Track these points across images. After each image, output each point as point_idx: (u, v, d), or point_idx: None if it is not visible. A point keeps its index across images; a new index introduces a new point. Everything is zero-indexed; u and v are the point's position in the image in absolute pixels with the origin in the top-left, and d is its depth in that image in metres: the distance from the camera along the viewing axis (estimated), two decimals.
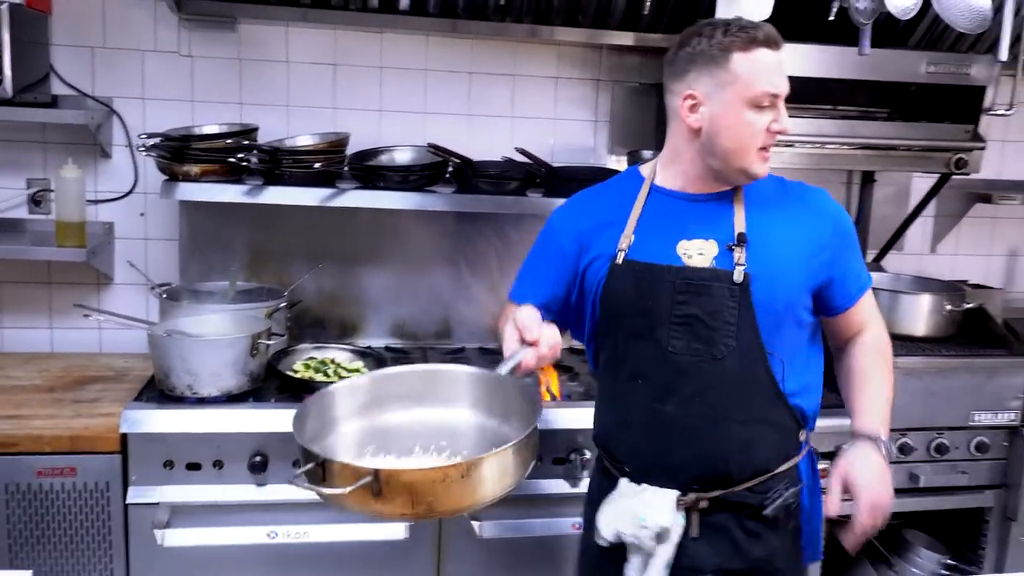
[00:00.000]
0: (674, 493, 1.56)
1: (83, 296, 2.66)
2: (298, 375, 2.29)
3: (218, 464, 2.09)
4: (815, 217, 1.62)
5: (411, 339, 2.82)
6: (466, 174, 2.57)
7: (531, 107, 2.91)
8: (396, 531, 2.14)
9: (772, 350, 1.56)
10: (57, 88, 2.60)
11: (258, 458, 2.09)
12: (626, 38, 2.77)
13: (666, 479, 1.57)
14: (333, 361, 2.40)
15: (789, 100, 2.55)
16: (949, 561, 2.63)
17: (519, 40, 2.82)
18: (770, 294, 1.54)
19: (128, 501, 2.06)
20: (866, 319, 1.71)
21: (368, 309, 2.80)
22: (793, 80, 2.49)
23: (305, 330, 2.69)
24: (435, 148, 2.52)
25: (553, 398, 2.33)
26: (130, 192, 2.69)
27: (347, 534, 2.12)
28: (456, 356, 2.70)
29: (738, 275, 1.53)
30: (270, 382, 2.27)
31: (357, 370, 2.38)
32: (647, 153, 2.67)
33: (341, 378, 2.28)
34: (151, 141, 2.37)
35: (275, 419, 2.11)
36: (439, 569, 2.23)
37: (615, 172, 2.68)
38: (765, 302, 1.54)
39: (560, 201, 2.53)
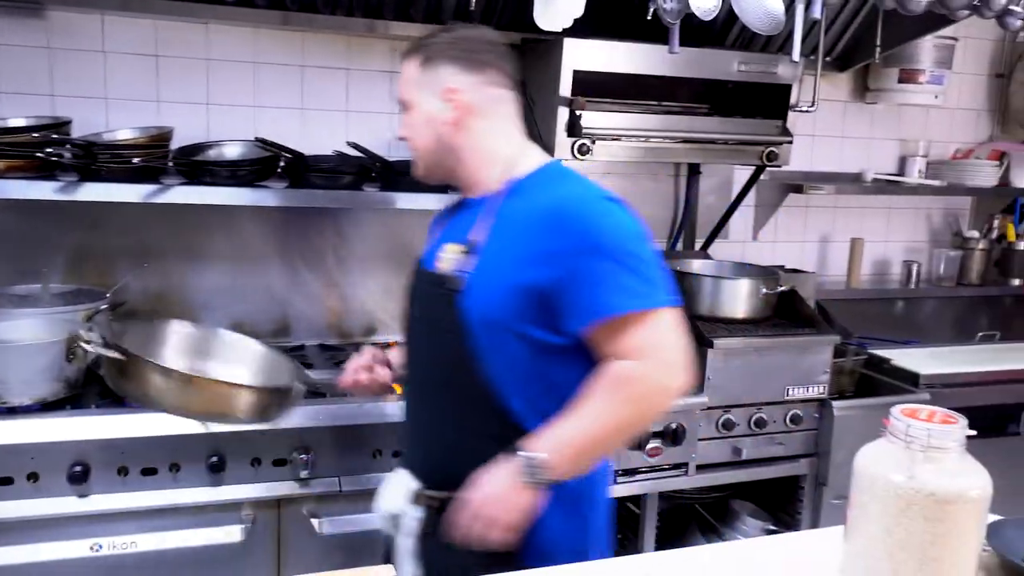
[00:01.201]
0: (411, 484, 1.61)
1: None
2: None
3: (32, 477, 1.97)
4: (555, 232, 1.47)
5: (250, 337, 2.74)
6: (298, 169, 2.53)
7: (367, 101, 2.89)
8: (232, 534, 2.09)
9: (491, 362, 1.50)
10: None
11: (78, 468, 1.99)
12: None
13: (411, 471, 1.65)
14: None
15: (616, 94, 2.75)
16: (771, 527, 2.83)
17: (353, 34, 2.80)
18: (485, 303, 1.49)
19: None
20: (625, 350, 1.45)
21: (202, 309, 2.70)
22: (618, 77, 2.65)
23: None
24: (263, 142, 2.46)
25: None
26: None
27: (178, 540, 2.06)
28: (296, 353, 2.66)
29: (457, 282, 1.52)
30: (91, 388, 2.15)
31: None
32: None
33: None
34: None
35: (96, 426, 2.01)
36: (279, 570, 2.20)
37: None
38: (480, 311, 1.50)
39: (400, 195, 2.59)
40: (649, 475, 2.56)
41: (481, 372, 1.51)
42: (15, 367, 1.98)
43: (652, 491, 2.60)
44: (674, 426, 2.53)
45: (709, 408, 2.59)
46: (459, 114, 1.57)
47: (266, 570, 2.18)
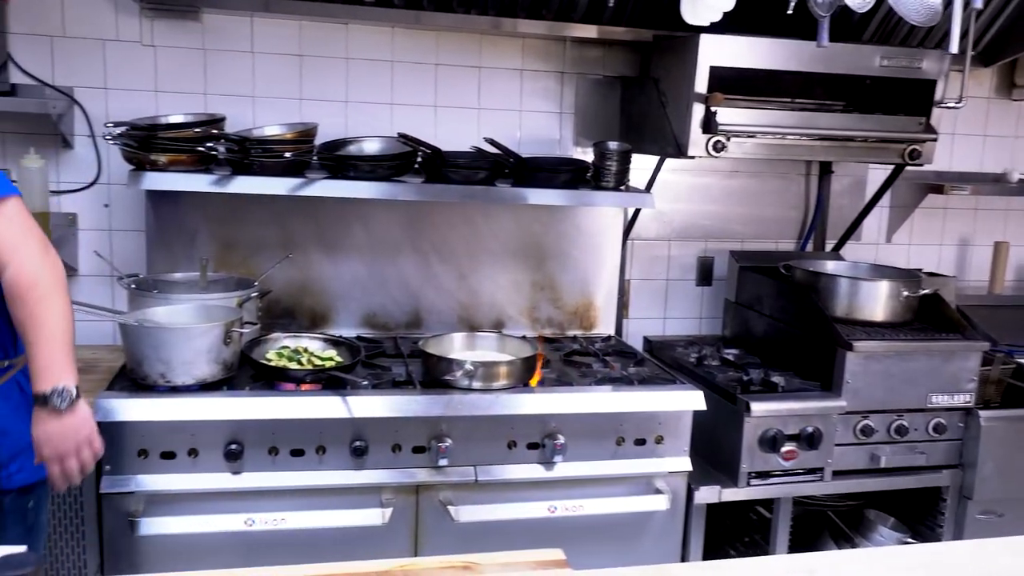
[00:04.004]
0: None
1: None
2: (272, 364, 2.27)
3: (193, 453, 2.08)
4: None
5: (382, 329, 2.83)
6: (435, 164, 2.58)
7: (497, 99, 2.94)
8: (374, 517, 2.15)
9: None
10: (16, 77, 2.55)
11: (233, 446, 2.08)
12: (589, 31, 2.82)
13: None
14: (306, 350, 2.39)
15: (751, 91, 2.71)
16: (908, 539, 2.72)
17: (483, 32, 2.84)
18: None
19: (102, 491, 2.04)
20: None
21: (338, 299, 2.80)
22: (754, 73, 2.60)
23: (275, 320, 2.68)
24: (405, 138, 2.53)
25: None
26: (93, 183, 2.65)
27: (324, 520, 2.13)
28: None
29: None
30: (244, 371, 2.25)
31: (330, 358, 2.37)
32: (612, 144, 2.72)
33: (315, 367, 2.28)
34: (117, 130, 2.33)
35: (250, 407, 2.11)
36: (416, 554, 2.24)
37: (583, 163, 2.75)
38: None
39: (531, 191, 2.62)
40: (783, 479, 2.50)
41: None
42: (178, 349, 2.08)
43: (785, 495, 2.53)
44: (810, 430, 2.46)
45: (847, 413, 2.51)
46: None
47: (405, 554, 2.23)
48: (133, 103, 2.61)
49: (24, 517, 1.72)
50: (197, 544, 2.06)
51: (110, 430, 2.04)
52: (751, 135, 2.62)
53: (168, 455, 2.07)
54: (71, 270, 2.65)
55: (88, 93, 2.62)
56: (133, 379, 2.14)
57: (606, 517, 2.33)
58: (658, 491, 2.37)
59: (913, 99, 2.75)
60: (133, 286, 2.37)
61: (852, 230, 3.18)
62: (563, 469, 2.30)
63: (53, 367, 1.58)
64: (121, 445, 2.05)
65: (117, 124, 2.35)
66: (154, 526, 2.03)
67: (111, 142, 2.37)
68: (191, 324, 2.17)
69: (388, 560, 1.20)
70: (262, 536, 2.10)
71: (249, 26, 2.71)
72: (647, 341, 3.09)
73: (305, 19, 2.72)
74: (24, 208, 1.64)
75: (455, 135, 2.81)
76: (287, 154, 2.39)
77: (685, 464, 2.39)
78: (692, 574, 1.39)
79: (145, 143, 2.34)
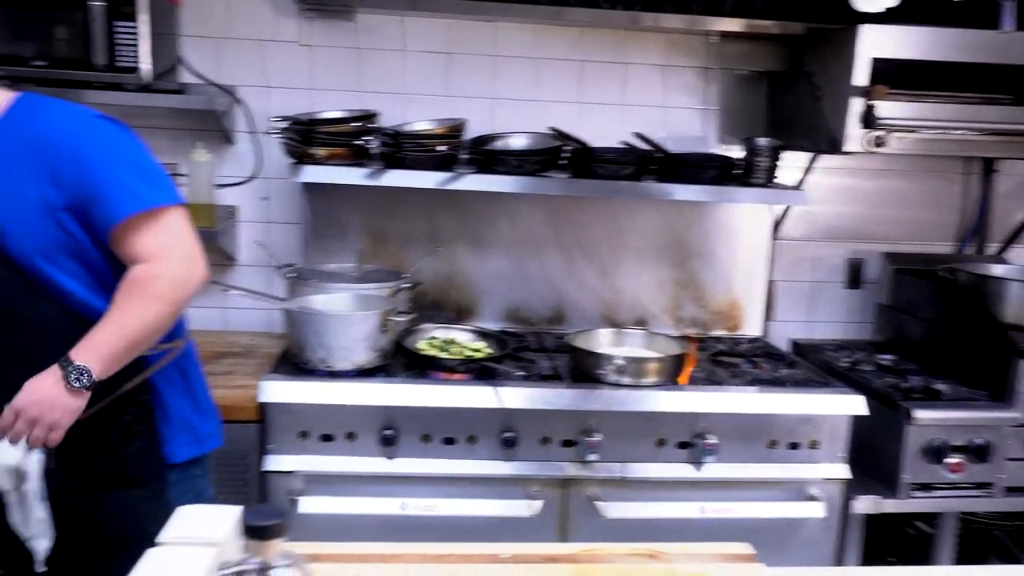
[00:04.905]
0: None
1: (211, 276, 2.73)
2: (423, 353, 2.31)
3: (350, 436, 2.13)
4: (53, 157, 1.54)
5: (525, 323, 2.84)
6: (581, 159, 2.57)
7: (640, 95, 2.90)
8: (524, 508, 2.15)
9: (64, 285, 1.58)
10: (184, 77, 2.70)
11: (388, 431, 2.13)
12: (733, 24, 2.74)
13: None
14: (454, 341, 2.42)
15: (912, 84, 2.57)
16: None
17: (624, 28, 2.82)
18: (20, 235, 1.54)
19: (264, 469, 2.12)
20: (140, 253, 1.57)
21: (483, 292, 2.82)
22: (917, 64, 2.48)
23: (422, 312, 2.72)
24: (556, 132, 2.53)
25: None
26: (253, 177, 2.76)
27: (475, 509, 2.15)
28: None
29: None
30: (397, 359, 2.30)
31: (478, 350, 2.39)
32: (761, 141, 2.64)
33: (465, 357, 2.31)
34: (282, 124, 2.43)
35: (405, 394, 2.15)
36: None
37: (730, 159, 2.68)
38: (19, 243, 1.54)
39: (678, 187, 2.57)
40: (948, 492, 2.36)
41: (50, 299, 1.57)
42: (339, 336, 2.15)
43: (950, 510, 2.39)
44: (979, 441, 2.31)
45: (1021, 425, 2.35)
46: None
47: None
48: (290, 100, 2.71)
49: (189, 490, 1.80)
50: (353, 524, 2.11)
51: (273, 411, 2.13)
52: (913, 130, 2.49)
53: (327, 437, 2.14)
54: (230, 260, 2.77)
55: (250, 91, 2.73)
56: (295, 363, 2.21)
57: (756, 522, 2.25)
58: (812, 498, 2.28)
59: None
60: (291, 275, 2.45)
61: (1020, 232, 2.99)
62: (713, 470, 2.24)
63: (99, 349, 1.54)
64: (283, 426, 2.12)
65: (283, 119, 2.45)
66: (313, 505, 2.09)
67: (278, 136, 2.47)
68: (350, 312, 2.23)
69: (575, 544, 1.19)
70: (414, 521, 2.13)
71: (400, 25, 2.77)
72: (794, 344, 2.99)
73: (453, 17, 2.76)
74: (184, 219, 1.63)
75: (598, 131, 2.79)
76: (440, 148, 2.43)
77: (842, 471, 2.29)
78: None
79: (306, 137, 2.42)
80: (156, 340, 1.60)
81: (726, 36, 2.87)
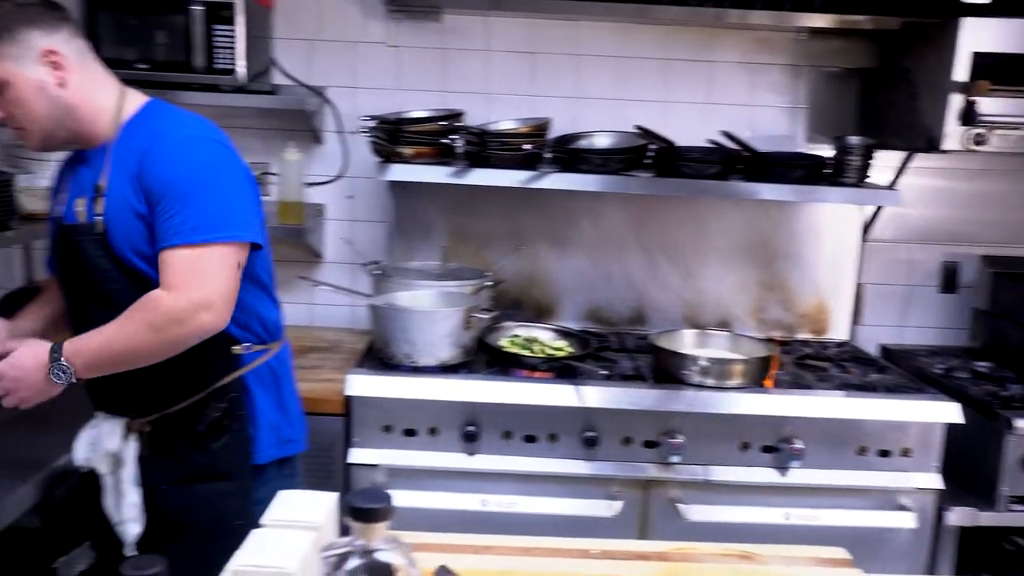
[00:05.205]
0: (121, 420, 1.68)
1: (298, 272, 2.81)
2: (506, 350, 2.33)
3: (433, 431, 2.16)
4: (148, 168, 1.58)
5: (606, 324, 2.83)
6: (666, 158, 2.55)
7: (726, 93, 2.86)
8: (605, 508, 2.14)
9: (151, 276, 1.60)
10: (276, 78, 2.77)
11: (470, 427, 2.15)
12: (824, 20, 2.67)
13: (112, 411, 1.70)
14: (536, 340, 2.43)
15: (1011, 80, 2.46)
16: None
17: (710, 26, 2.78)
18: (125, 237, 1.59)
19: (349, 461, 2.16)
20: (167, 281, 1.56)
21: (564, 292, 2.83)
22: (1014, 59, 2.37)
23: (504, 310, 2.74)
24: (643, 131, 2.51)
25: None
26: (340, 176, 2.83)
27: (555, 507, 2.15)
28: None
29: (97, 225, 1.60)
30: (480, 356, 2.32)
31: (560, 349, 2.39)
32: (853, 139, 2.57)
33: (548, 355, 2.31)
34: (370, 124, 2.48)
35: (487, 391, 2.16)
36: None
37: (819, 158, 2.62)
38: (124, 245, 1.60)
39: (764, 186, 2.52)
40: None
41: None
42: (423, 331, 2.18)
43: None
44: None
45: None
46: (63, 73, 1.60)
47: None
48: (377, 100, 2.76)
49: (280, 489, 1.84)
50: (434, 519, 2.10)
51: (359, 405, 2.17)
52: (1016, 127, 2.39)
53: (410, 432, 2.17)
54: (317, 256, 2.84)
55: (338, 92, 2.79)
56: (380, 358, 2.25)
57: (843, 530, 2.19)
58: (903, 508, 2.21)
59: None
60: (377, 272, 2.50)
61: None
62: (799, 475, 2.19)
63: (86, 354, 1.57)
64: (368, 420, 2.17)
65: (371, 119, 2.50)
66: (396, 498, 2.09)
67: (367, 135, 2.52)
68: (434, 308, 2.26)
69: (667, 542, 1.18)
70: (495, 517, 2.15)
71: (484, 25, 2.79)
72: (883, 349, 2.90)
73: (536, 17, 2.77)
74: (227, 260, 1.57)
75: (683, 131, 2.75)
76: (526, 146, 2.44)
77: (935, 481, 2.21)
78: None
79: (393, 136, 2.46)
80: (148, 363, 1.60)
81: (815, 32, 2.81)
